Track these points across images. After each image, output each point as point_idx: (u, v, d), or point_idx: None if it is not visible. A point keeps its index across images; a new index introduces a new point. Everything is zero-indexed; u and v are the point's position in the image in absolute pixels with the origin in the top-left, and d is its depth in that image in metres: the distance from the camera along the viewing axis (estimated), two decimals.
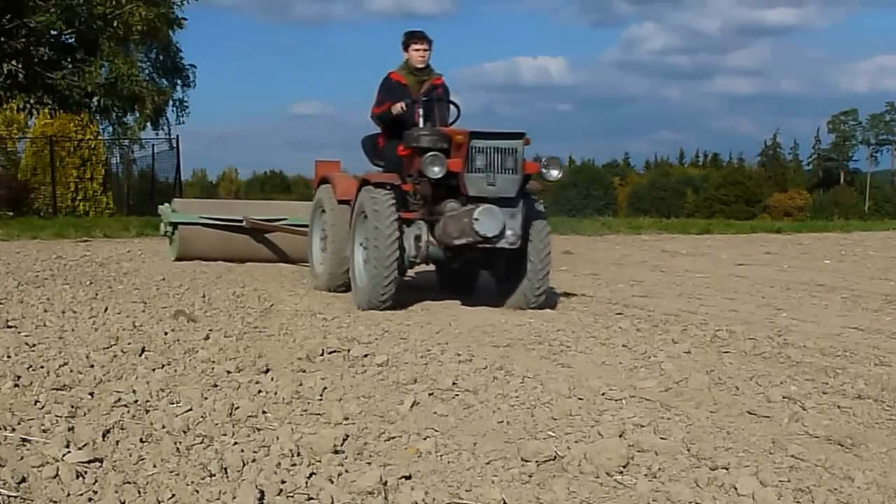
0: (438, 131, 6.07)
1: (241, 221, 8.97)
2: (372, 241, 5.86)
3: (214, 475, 2.43)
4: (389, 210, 5.91)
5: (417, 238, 6.04)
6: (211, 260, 8.91)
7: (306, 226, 7.76)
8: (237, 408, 3.09)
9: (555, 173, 6.12)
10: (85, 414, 3.03)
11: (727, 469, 2.55)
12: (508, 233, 5.74)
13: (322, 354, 4.22)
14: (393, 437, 2.88)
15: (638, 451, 2.70)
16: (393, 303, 5.90)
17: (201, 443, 2.73)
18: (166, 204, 9.61)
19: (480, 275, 6.86)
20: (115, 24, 21.79)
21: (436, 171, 5.79)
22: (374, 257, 5.82)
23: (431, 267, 6.94)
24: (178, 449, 2.64)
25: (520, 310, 5.95)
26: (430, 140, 5.97)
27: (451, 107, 6.61)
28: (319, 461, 2.57)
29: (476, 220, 5.65)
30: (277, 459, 2.56)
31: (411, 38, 6.62)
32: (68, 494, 2.28)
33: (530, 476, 2.53)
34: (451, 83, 6.73)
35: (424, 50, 6.59)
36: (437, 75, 6.67)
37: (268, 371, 3.82)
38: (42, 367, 3.69)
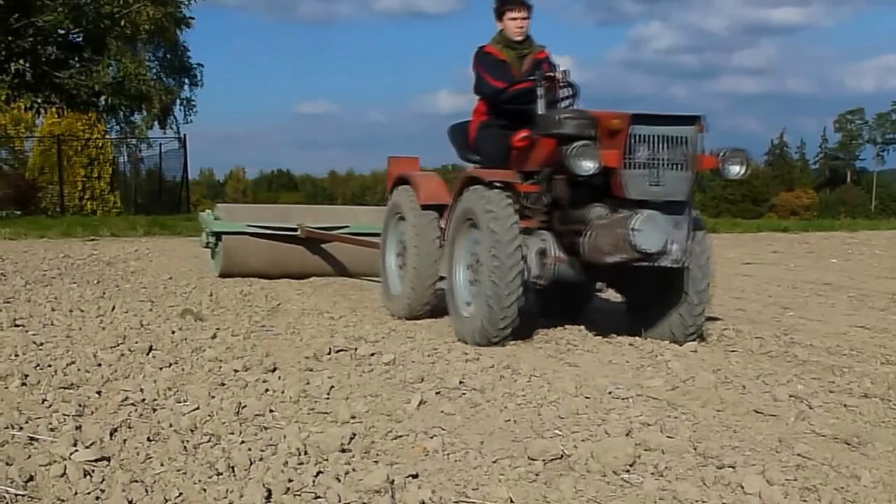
0: (586, 113, 4.63)
1: (295, 230, 7.54)
2: (489, 255, 4.53)
3: (222, 474, 2.44)
4: (511, 216, 4.60)
5: (542, 253, 4.70)
6: (261, 276, 7.52)
7: (372, 234, 6.88)
8: (244, 406, 3.10)
9: (736, 170, 4.65)
10: (92, 413, 3.05)
11: (734, 468, 2.55)
12: (674, 247, 4.41)
13: (329, 353, 4.23)
14: (400, 436, 2.88)
15: (645, 450, 2.70)
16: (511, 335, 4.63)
17: (208, 441, 2.74)
18: (207, 211, 8.26)
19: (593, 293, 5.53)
20: (122, 23, 21.87)
21: (587, 167, 4.42)
22: (492, 277, 4.49)
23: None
24: (185, 447, 2.65)
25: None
26: (577, 125, 4.55)
27: (565, 87, 5.13)
28: (326, 460, 2.57)
29: (635, 230, 4.32)
30: (285, 458, 2.56)
31: (505, 4, 5.38)
32: (76, 493, 2.29)
33: (537, 475, 2.53)
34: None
35: (523, 18, 5.38)
36: (540, 48, 5.46)
37: (275, 370, 3.83)
38: (49, 365, 3.71)
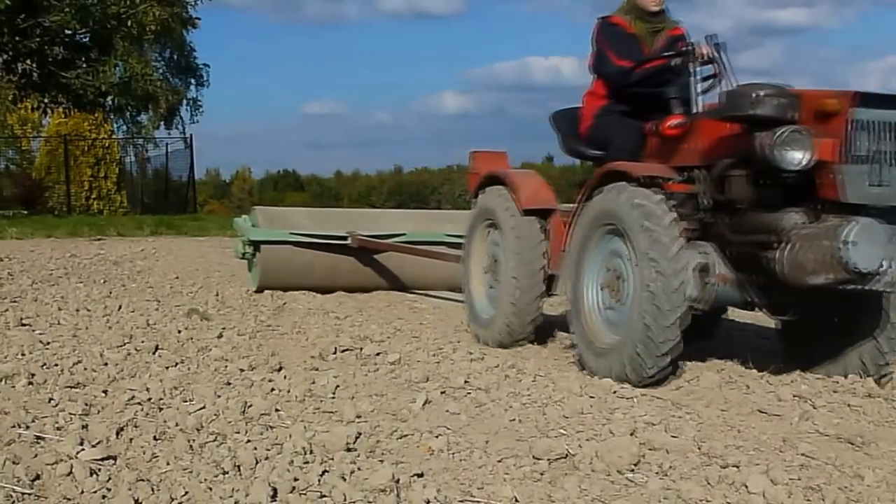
0: (786, 90, 3.63)
1: (345, 239, 6.52)
2: (646, 270, 3.64)
3: (227, 473, 2.44)
4: (674, 221, 3.69)
5: (703, 269, 3.75)
6: (307, 290, 6.55)
7: (431, 243, 6.40)
8: (250, 406, 3.11)
9: None
10: (99, 412, 3.06)
11: (738, 467, 2.55)
12: (891, 266, 3.42)
13: (335, 353, 4.24)
14: (405, 435, 2.88)
15: (649, 450, 2.71)
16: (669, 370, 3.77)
17: (214, 440, 2.75)
18: (244, 217, 7.12)
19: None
20: (129, 23, 21.93)
21: (796, 159, 3.46)
22: (650, 297, 3.61)
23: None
24: (191, 447, 2.66)
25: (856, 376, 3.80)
26: (779, 105, 3.55)
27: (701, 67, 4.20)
28: (332, 459, 2.58)
29: (849, 244, 3.34)
30: (290, 457, 2.57)
31: None
32: (82, 492, 2.30)
33: (542, 474, 2.54)
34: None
35: None
36: (675, 23, 4.60)
37: (281, 369, 3.84)
38: (56, 365, 3.72)
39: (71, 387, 3.38)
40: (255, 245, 6.64)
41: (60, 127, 19.57)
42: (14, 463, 2.41)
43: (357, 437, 2.76)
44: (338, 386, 3.50)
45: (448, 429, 2.95)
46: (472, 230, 5.03)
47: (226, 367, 3.83)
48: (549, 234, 4.57)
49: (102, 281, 7.26)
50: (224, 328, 4.84)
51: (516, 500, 2.34)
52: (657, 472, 2.55)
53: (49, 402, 3.15)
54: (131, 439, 2.72)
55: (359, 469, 2.49)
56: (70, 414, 2.96)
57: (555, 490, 2.41)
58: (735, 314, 4.87)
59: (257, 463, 2.51)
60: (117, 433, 2.75)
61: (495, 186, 4.83)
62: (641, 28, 4.48)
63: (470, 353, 4.27)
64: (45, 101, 22.05)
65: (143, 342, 4.28)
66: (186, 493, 2.29)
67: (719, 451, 2.70)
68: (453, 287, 6.20)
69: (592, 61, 4.56)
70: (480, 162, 5.21)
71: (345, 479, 2.40)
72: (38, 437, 2.69)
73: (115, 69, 22.78)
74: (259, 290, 6.57)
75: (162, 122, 26.63)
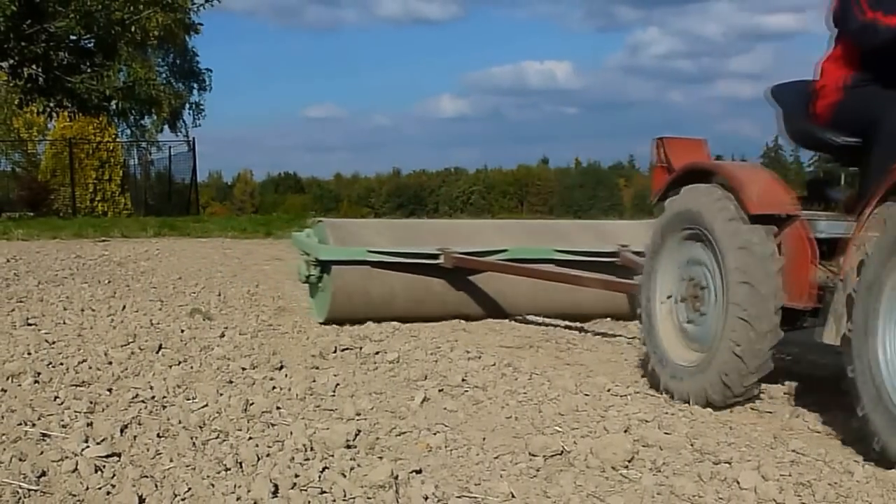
0: None
1: (436, 258, 5.20)
2: None
3: (230, 469, 2.48)
4: None
5: None
6: (388, 320, 5.19)
7: (538, 261, 5.21)
8: (252, 404, 3.14)
9: None
10: (103, 410, 3.09)
11: (730, 463, 2.58)
12: None
13: (335, 351, 4.27)
14: (404, 433, 2.92)
15: (643, 446, 2.74)
16: None
17: (217, 438, 2.78)
18: (306, 231, 5.70)
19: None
20: (132, 29, 22.02)
21: None
22: None
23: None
24: (194, 444, 2.69)
25: None
26: None
27: None
28: (332, 455, 2.61)
29: None
30: (291, 454, 2.60)
31: None
32: (87, 488, 2.33)
33: (538, 470, 2.57)
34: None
35: None
36: None
37: (282, 368, 3.87)
38: (61, 363, 3.76)
39: (76, 385, 3.41)
40: (324, 266, 5.31)
41: (65, 130, 19.59)
42: (20, 460, 2.45)
43: (357, 435, 2.79)
44: (338, 384, 3.53)
45: (446, 426, 2.98)
46: (660, 243, 3.69)
47: (228, 365, 3.87)
48: (783, 249, 3.29)
49: (107, 281, 7.29)
50: (226, 328, 4.87)
51: (513, 496, 2.36)
52: (651, 469, 2.57)
53: (55, 400, 3.18)
54: (135, 437, 2.75)
55: (358, 466, 2.52)
56: (75, 412, 3.00)
57: (550, 486, 2.44)
58: None
59: (259, 460, 2.54)
60: (121, 431, 2.78)
61: (700, 184, 3.57)
62: None
63: (467, 351, 4.29)
64: (51, 105, 22.13)
65: (146, 341, 4.32)
66: (189, 489, 2.32)
67: (711, 447, 2.72)
68: (568, 314, 5.40)
69: (835, 11, 3.44)
70: (673, 151, 4.02)
71: (345, 476, 2.43)
72: (43, 435, 2.73)
73: (119, 74, 22.88)
74: (327, 322, 5.17)
75: (165, 126, 26.67)
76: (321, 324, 5.22)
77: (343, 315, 5.18)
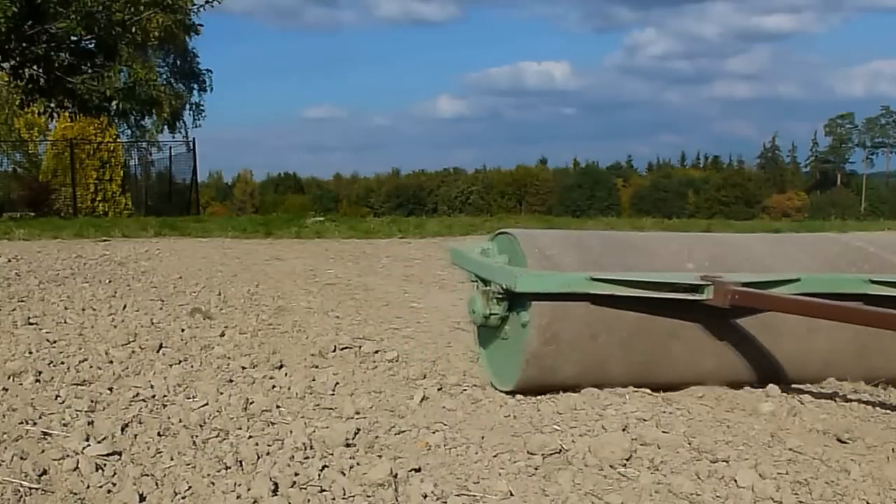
0: None
1: (698, 290, 3.19)
2: None
3: (230, 468, 2.49)
4: None
5: None
6: (622, 385, 3.41)
7: (851, 297, 3.27)
8: (252, 402, 3.15)
9: None
10: (104, 408, 3.11)
11: (727, 462, 2.58)
12: None
13: (334, 351, 4.27)
14: (403, 431, 2.93)
15: (641, 445, 2.74)
16: None
17: (217, 436, 2.79)
18: (482, 247, 3.62)
19: None
20: (133, 30, 22.04)
21: None
22: None
23: None
24: (194, 442, 2.71)
25: None
26: None
27: None
28: (332, 454, 2.63)
29: None
30: (291, 452, 2.61)
31: None
32: (88, 486, 2.34)
33: (536, 469, 2.58)
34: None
35: None
36: None
37: (282, 367, 3.88)
38: (62, 362, 3.78)
39: (77, 384, 3.43)
40: (514, 301, 3.33)
41: (66, 131, 19.64)
42: (22, 458, 2.46)
43: (356, 433, 2.80)
44: (337, 383, 3.55)
45: (445, 425, 3.00)
46: None
47: (228, 364, 3.88)
48: None
49: (108, 281, 7.30)
50: (226, 327, 4.88)
51: (511, 494, 2.37)
52: (648, 467, 2.58)
53: (56, 398, 3.20)
54: (136, 435, 2.77)
55: (358, 464, 2.53)
56: (76, 410, 3.01)
57: (549, 484, 2.45)
58: None
59: (259, 458, 2.55)
60: (122, 429, 2.79)
61: None
62: None
63: (466, 351, 4.31)
64: (52, 105, 22.16)
65: (147, 340, 4.33)
66: (189, 487, 2.34)
67: (709, 446, 2.73)
68: None
69: None
70: None
71: (344, 474, 2.44)
72: (45, 433, 2.74)
73: (120, 74, 22.90)
74: (517, 392, 3.37)
75: (165, 126, 26.76)
76: (506, 392, 3.41)
77: (546, 379, 3.31)
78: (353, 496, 2.31)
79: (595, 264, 3.32)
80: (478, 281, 3.54)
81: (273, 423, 2.95)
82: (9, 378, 3.47)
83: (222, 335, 4.63)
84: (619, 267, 3.34)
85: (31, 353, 3.97)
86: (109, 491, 2.33)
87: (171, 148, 22.93)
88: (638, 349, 3.34)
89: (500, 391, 3.45)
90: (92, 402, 3.14)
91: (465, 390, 3.51)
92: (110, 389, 3.38)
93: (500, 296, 3.38)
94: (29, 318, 5.03)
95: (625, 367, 3.38)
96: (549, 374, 3.31)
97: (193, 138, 23.64)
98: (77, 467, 2.44)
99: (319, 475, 2.43)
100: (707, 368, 3.45)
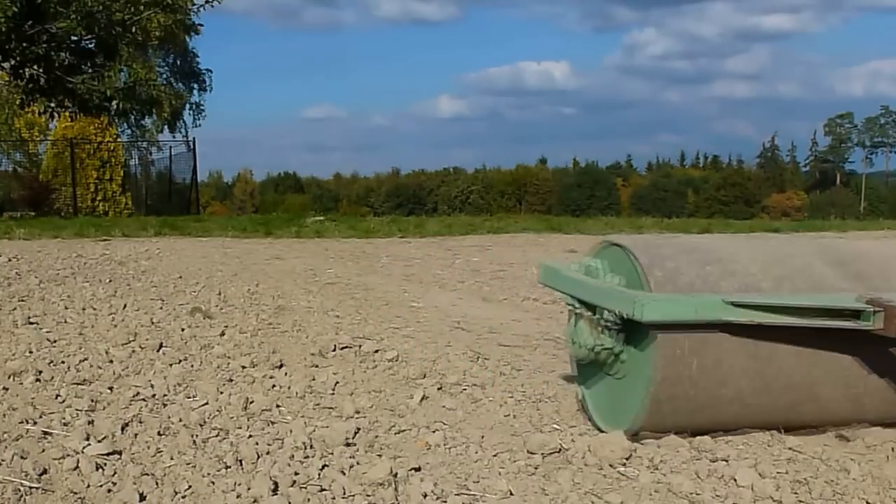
0: None
1: (857, 315, 2.40)
2: None
3: (230, 467, 2.50)
4: None
5: None
6: (748, 428, 2.86)
7: None
8: (252, 402, 3.16)
9: None
10: (104, 408, 3.11)
11: (727, 461, 2.59)
12: None
13: (334, 350, 4.28)
14: (403, 431, 2.94)
15: (640, 444, 2.74)
16: None
17: (217, 436, 2.80)
18: (587, 261, 3.00)
19: None
20: (133, 30, 22.03)
21: None
22: None
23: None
24: (194, 442, 2.71)
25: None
26: None
27: None
28: (332, 453, 2.63)
29: None
30: (291, 452, 2.62)
31: None
32: (88, 486, 2.35)
33: (536, 468, 2.58)
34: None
35: None
36: None
37: (281, 366, 3.89)
38: (63, 362, 3.78)
39: (77, 383, 3.43)
40: (631, 331, 2.80)
41: (67, 131, 19.68)
42: (22, 458, 2.47)
43: (356, 433, 2.81)
44: (337, 382, 3.55)
45: (444, 424, 3.00)
46: None
47: (228, 364, 3.88)
48: None
49: (108, 280, 7.30)
50: (226, 326, 4.88)
51: (511, 494, 2.38)
52: (648, 466, 2.58)
53: (56, 398, 3.20)
54: (136, 435, 2.77)
55: (358, 463, 2.54)
56: (76, 410, 3.02)
57: (548, 484, 2.45)
58: None
59: (259, 457, 2.56)
60: (122, 429, 2.80)
61: None
62: None
63: (466, 350, 4.31)
64: (52, 105, 22.13)
65: (147, 340, 4.33)
66: (190, 486, 2.34)
67: (709, 445, 2.73)
68: None
69: None
70: None
71: (344, 473, 2.45)
72: (45, 433, 2.75)
73: (120, 74, 22.89)
74: (634, 437, 2.78)
75: (165, 126, 26.81)
76: (634, 436, 2.80)
77: (667, 423, 2.79)
78: (353, 495, 2.31)
79: (742, 283, 2.76)
80: (578, 306, 2.94)
81: (273, 423, 2.96)
82: (9, 377, 3.47)
83: (222, 334, 4.63)
84: (772, 281, 2.79)
85: (31, 352, 3.98)
86: (109, 490, 2.33)
87: (171, 147, 22.98)
88: (785, 388, 2.79)
89: (630, 436, 2.78)
90: (92, 401, 3.14)
91: (465, 390, 3.52)
92: (110, 389, 3.39)
93: (614, 325, 2.81)
94: (29, 317, 5.03)
95: (768, 409, 2.83)
96: (680, 417, 2.78)
97: (193, 138, 23.76)
98: (77, 466, 2.44)
99: (319, 474, 2.43)
100: (867, 407, 2.91)
